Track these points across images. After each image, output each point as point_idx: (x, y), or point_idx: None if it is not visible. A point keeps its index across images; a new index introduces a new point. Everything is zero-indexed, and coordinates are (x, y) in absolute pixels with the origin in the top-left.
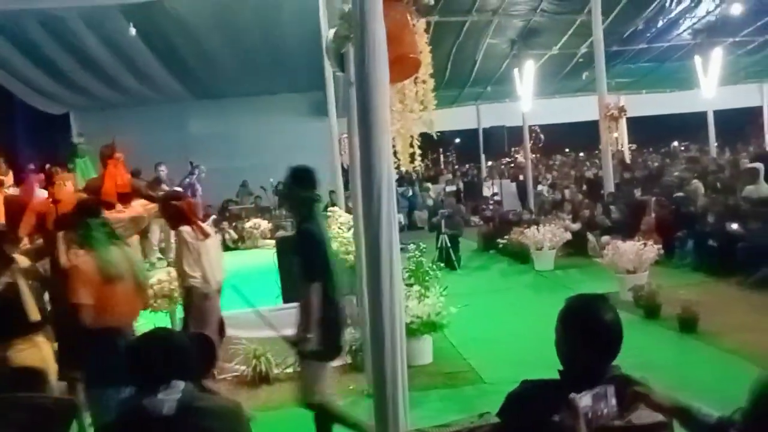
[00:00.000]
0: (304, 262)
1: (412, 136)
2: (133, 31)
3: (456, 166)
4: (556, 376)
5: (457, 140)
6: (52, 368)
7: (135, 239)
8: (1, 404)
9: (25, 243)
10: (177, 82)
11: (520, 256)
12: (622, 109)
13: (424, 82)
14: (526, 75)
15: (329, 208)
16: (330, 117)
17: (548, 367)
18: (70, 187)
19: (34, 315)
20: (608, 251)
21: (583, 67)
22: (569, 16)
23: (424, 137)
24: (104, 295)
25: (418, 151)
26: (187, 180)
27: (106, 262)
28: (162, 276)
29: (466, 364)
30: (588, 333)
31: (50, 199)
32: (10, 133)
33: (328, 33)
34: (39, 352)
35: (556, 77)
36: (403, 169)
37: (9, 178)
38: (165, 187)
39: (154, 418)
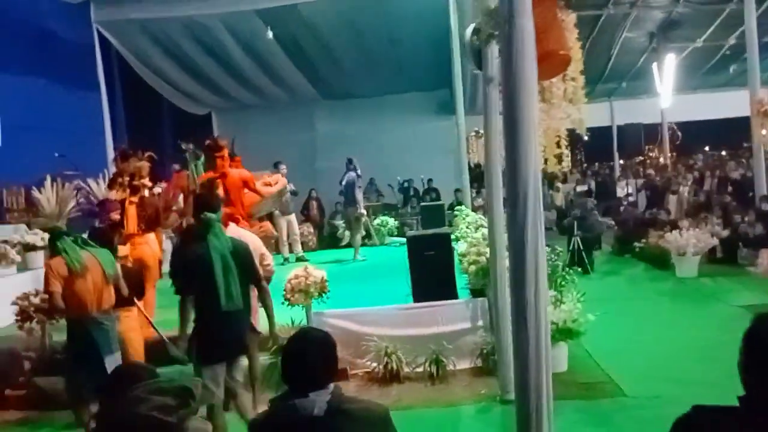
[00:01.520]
0: (176, 278)
1: (559, 136)
2: (270, 34)
3: (585, 165)
4: (713, 393)
5: (586, 138)
6: None
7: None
8: (144, 390)
9: None
10: (307, 83)
11: (659, 261)
12: None
13: (573, 79)
14: (666, 69)
15: (455, 207)
16: (457, 115)
17: (696, 384)
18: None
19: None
20: (764, 259)
21: (730, 60)
22: (716, 6)
23: None
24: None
25: (566, 152)
26: (352, 174)
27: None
28: (299, 272)
29: (604, 375)
30: None
31: None
32: (159, 132)
33: (466, 30)
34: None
35: (699, 71)
36: (549, 170)
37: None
38: (290, 185)
39: (304, 419)
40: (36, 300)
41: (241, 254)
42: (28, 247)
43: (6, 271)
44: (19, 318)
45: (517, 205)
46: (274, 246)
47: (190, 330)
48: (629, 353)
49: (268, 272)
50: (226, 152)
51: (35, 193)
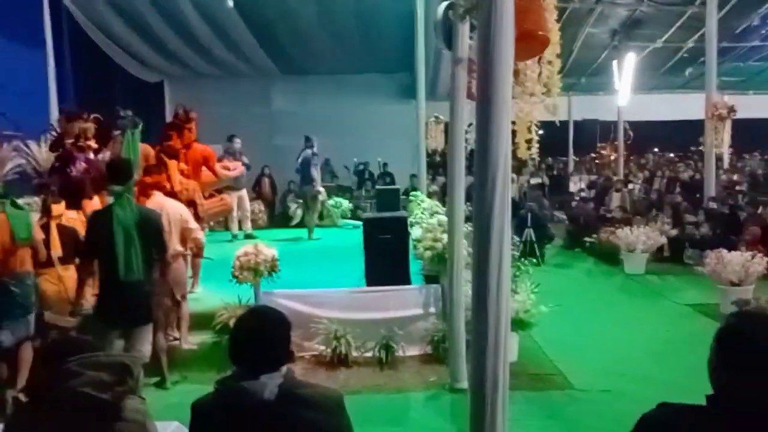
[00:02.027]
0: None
1: (530, 122)
2: (230, 2)
3: (539, 159)
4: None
5: (541, 132)
6: None
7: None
8: (78, 363)
9: None
10: (266, 56)
11: (609, 256)
12: (731, 109)
13: (549, 63)
14: (626, 68)
15: (410, 193)
16: (418, 99)
17: (644, 379)
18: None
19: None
20: (711, 260)
21: (688, 62)
22: (678, 8)
23: None
24: None
25: (536, 138)
26: (308, 152)
27: None
28: (249, 249)
29: (554, 367)
30: (754, 357)
31: None
32: (108, 97)
33: (438, 7)
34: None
35: (657, 72)
36: (518, 156)
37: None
38: (244, 158)
39: (253, 402)
40: None
41: (146, 226)
42: None
43: None
44: None
45: (485, 189)
46: (223, 222)
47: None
48: (578, 346)
49: (197, 243)
50: (194, 125)
51: None
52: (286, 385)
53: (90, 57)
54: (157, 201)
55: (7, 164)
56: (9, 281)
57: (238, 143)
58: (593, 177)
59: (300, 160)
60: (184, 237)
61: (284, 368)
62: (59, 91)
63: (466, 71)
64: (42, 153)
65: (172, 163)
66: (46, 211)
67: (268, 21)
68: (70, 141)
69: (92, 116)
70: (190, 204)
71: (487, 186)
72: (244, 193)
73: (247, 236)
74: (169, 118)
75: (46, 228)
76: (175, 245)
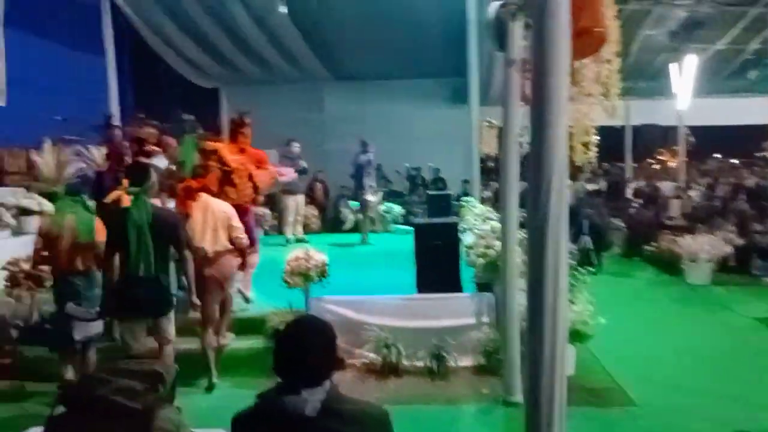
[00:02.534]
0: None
1: (588, 125)
2: (283, 9)
3: (596, 164)
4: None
5: (598, 137)
6: None
7: None
8: (110, 371)
9: None
10: (319, 62)
11: (670, 265)
12: None
13: (608, 61)
14: (686, 71)
15: (462, 198)
16: (470, 104)
17: (708, 395)
18: None
19: None
20: None
21: (751, 65)
22: (740, 8)
23: None
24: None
25: (594, 140)
26: (363, 158)
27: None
28: (299, 253)
29: (613, 382)
30: None
31: None
32: (165, 103)
33: (488, 10)
34: None
35: (719, 75)
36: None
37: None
38: (302, 162)
39: (294, 419)
40: (26, 266)
41: (160, 225)
42: (24, 211)
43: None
44: (8, 284)
45: (539, 196)
46: (276, 226)
47: None
48: (638, 360)
49: (239, 243)
50: (249, 129)
51: (34, 156)
52: (329, 401)
53: (148, 64)
54: (203, 202)
55: (68, 167)
56: (74, 279)
57: (296, 147)
58: (641, 184)
59: (354, 165)
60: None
61: (327, 383)
62: (119, 96)
63: (520, 73)
64: (101, 156)
65: (221, 146)
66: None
67: (320, 27)
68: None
69: (153, 123)
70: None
71: (542, 192)
72: (301, 197)
73: (298, 240)
74: (224, 123)
75: None
76: (223, 242)
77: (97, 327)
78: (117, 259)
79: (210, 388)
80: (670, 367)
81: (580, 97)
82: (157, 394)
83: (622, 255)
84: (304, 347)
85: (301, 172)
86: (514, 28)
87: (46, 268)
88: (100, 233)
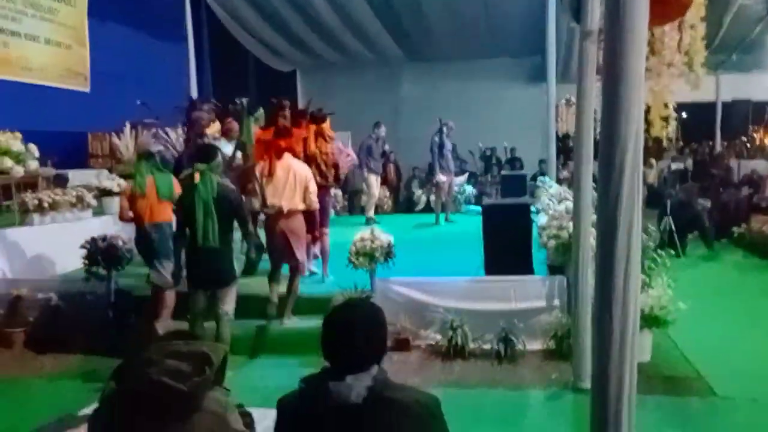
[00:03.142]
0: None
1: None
2: None
3: (681, 143)
4: None
5: (684, 114)
6: None
7: None
8: (157, 351)
9: None
10: (394, 44)
11: (761, 249)
12: None
13: (692, 27)
14: None
15: (538, 178)
16: (548, 81)
17: None
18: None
19: None
20: None
21: None
22: None
23: None
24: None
25: (674, 116)
26: (435, 138)
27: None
28: (365, 234)
29: (693, 370)
30: None
31: None
32: (244, 87)
33: None
34: None
35: None
36: (653, 135)
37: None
38: (386, 147)
39: (338, 405)
40: (104, 245)
41: (225, 200)
42: (105, 192)
43: (82, 215)
44: (86, 262)
45: (611, 174)
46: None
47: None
48: (722, 348)
49: (310, 206)
50: (287, 111)
51: (114, 139)
52: (376, 388)
53: (227, 49)
54: (287, 162)
55: (147, 149)
56: (151, 230)
57: (383, 131)
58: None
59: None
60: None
61: (375, 368)
62: (198, 81)
63: (596, 46)
64: (180, 139)
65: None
66: None
67: (394, 7)
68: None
69: (208, 106)
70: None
71: (614, 170)
72: (379, 178)
73: (368, 220)
74: (301, 105)
75: None
76: (298, 202)
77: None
78: (187, 231)
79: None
80: (756, 358)
81: (660, 68)
82: (204, 375)
83: (708, 237)
84: (350, 331)
85: (384, 155)
86: None
87: (122, 244)
88: (178, 189)
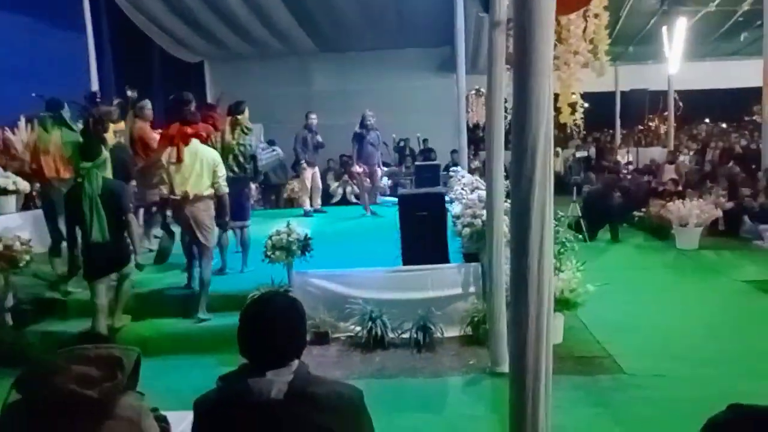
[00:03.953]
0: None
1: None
2: None
3: (585, 132)
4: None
5: (587, 104)
6: None
7: None
8: (63, 357)
9: None
10: (305, 35)
11: (660, 231)
12: None
13: (596, 16)
14: (677, 34)
15: (451, 168)
16: (458, 72)
17: (701, 363)
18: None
19: None
20: None
21: (742, 27)
22: None
23: None
24: None
25: (581, 102)
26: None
27: None
28: (281, 228)
29: (602, 349)
30: None
31: None
32: (149, 79)
33: None
34: None
35: (709, 38)
36: (561, 121)
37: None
38: (318, 138)
39: (259, 403)
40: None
41: (110, 195)
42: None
43: None
44: None
45: (524, 161)
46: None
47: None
48: (628, 327)
49: (218, 189)
50: (191, 106)
51: (8, 134)
52: (297, 383)
53: (130, 38)
54: (194, 147)
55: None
56: (60, 187)
57: (314, 119)
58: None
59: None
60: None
61: (295, 363)
62: (99, 72)
63: (505, 36)
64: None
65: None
66: None
67: None
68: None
69: (117, 101)
70: None
71: (526, 157)
72: (317, 170)
73: (316, 211)
74: (209, 97)
75: None
76: (205, 187)
77: None
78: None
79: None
80: (661, 334)
81: (567, 56)
82: (115, 380)
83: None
84: (267, 325)
85: (320, 146)
86: None
87: (19, 248)
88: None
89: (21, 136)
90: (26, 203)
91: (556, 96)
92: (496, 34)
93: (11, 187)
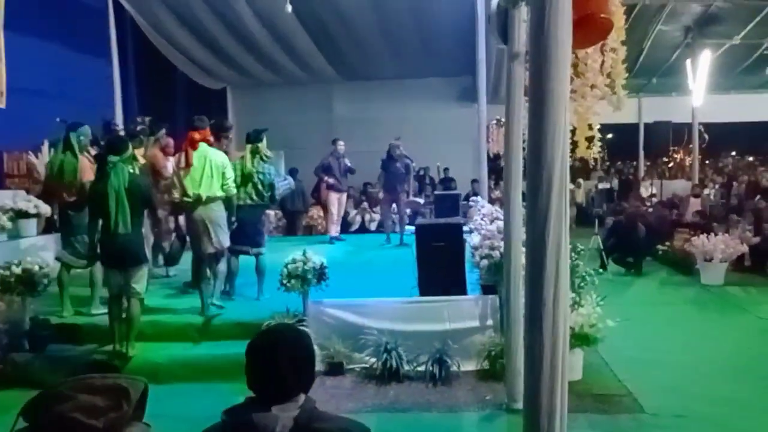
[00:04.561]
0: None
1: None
2: (289, 8)
3: (608, 163)
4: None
5: (610, 135)
6: None
7: None
8: (70, 386)
9: None
10: (327, 62)
11: (683, 266)
12: None
13: (613, 50)
14: (701, 67)
15: (471, 198)
16: (479, 102)
17: (724, 402)
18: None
19: None
20: None
21: (766, 61)
22: (757, 2)
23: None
24: None
25: (598, 135)
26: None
27: None
28: (297, 256)
29: (622, 387)
30: None
31: None
32: (172, 104)
33: (492, 2)
34: None
35: (734, 71)
36: (578, 155)
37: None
38: (347, 162)
39: None
40: (18, 270)
41: (135, 189)
42: (21, 214)
43: None
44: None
45: (539, 193)
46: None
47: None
48: (649, 364)
49: (227, 191)
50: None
51: (31, 158)
52: (303, 419)
53: (154, 65)
54: (202, 151)
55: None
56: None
57: (341, 145)
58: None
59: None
60: None
61: (302, 398)
62: (123, 98)
63: (523, 67)
64: None
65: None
66: None
67: (326, 26)
68: None
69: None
70: None
71: (541, 189)
72: (344, 196)
73: (331, 240)
74: (231, 123)
75: None
76: (216, 189)
77: None
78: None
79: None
80: (684, 373)
81: (584, 90)
82: (121, 411)
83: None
84: (273, 358)
85: (350, 171)
86: (517, 18)
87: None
88: (86, 173)
89: (44, 160)
90: (47, 226)
91: (573, 129)
92: (514, 65)
93: (32, 211)
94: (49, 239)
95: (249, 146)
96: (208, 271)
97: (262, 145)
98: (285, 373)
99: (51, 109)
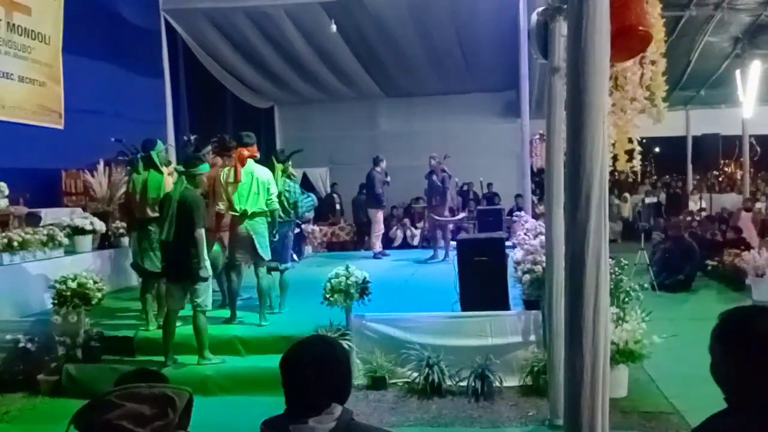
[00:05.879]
0: None
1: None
2: (333, 27)
3: (655, 177)
4: None
5: (657, 149)
6: None
7: None
8: (118, 395)
9: None
10: (371, 79)
11: (734, 281)
12: None
13: (653, 63)
14: (751, 77)
15: (514, 213)
16: (522, 117)
17: None
18: None
19: None
20: None
21: None
22: None
23: None
24: None
25: (638, 148)
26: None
27: None
28: (340, 271)
29: (668, 405)
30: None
31: None
32: (221, 123)
33: (531, 17)
34: None
35: None
36: (618, 169)
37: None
38: (387, 178)
39: None
40: (74, 284)
41: (183, 204)
42: (77, 231)
43: (53, 254)
44: (55, 302)
45: (578, 207)
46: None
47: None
48: (698, 382)
49: (270, 206)
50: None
51: (87, 177)
52: (339, 429)
53: (205, 85)
54: (250, 167)
55: (120, 188)
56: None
57: (384, 164)
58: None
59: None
60: None
61: (338, 409)
62: (175, 118)
63: (563, 81)
64: None
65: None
66: None
67: (370, 45)
68: None
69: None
70: None
71: (580, 203)
72: (382, 212)
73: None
74: (279, 141)
75: None
76: (262, 204)
77: None
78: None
79: None
80: None
81: (623, 103)
82: (167, 419)
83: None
84: (308, 371)
85: (386, 183)
86: (557, 33)
87: (92, 287)
88: (168, 188)
89: (99, 179)
90: (102, 243)
91: (613, 143)
92: (554, 80)
93: (88, 227)
94: (104, 255)
95: (279, 165)
96: (235, 280)
97: (288, 165)
98: (309, 384)
99: (106, 129)
